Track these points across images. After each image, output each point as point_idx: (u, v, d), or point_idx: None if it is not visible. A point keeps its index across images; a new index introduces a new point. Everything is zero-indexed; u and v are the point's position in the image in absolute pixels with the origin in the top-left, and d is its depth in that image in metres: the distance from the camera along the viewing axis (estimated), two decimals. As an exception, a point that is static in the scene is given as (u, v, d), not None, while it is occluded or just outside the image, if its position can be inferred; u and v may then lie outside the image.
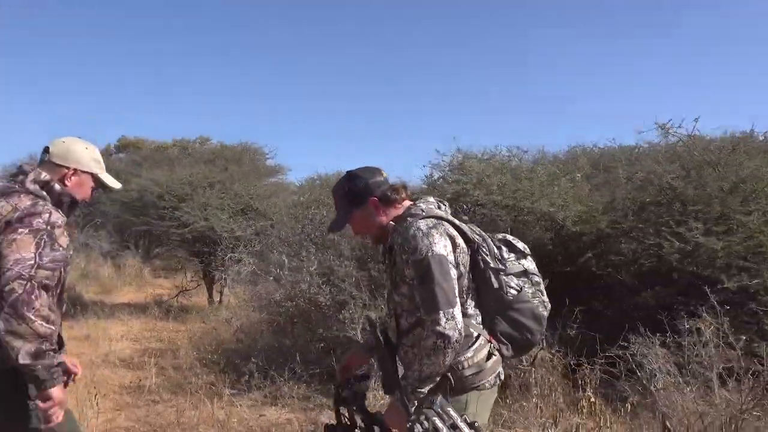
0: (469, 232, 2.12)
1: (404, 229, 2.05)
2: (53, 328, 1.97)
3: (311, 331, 6.26)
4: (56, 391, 1.99)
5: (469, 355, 2.01)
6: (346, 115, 61.54)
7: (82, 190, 2.31)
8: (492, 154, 6.69)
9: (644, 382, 3.63)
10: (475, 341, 2.03)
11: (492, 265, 2.09)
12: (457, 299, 1.94)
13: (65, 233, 2.10)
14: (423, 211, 2.10)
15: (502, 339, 2.10)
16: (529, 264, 2.20)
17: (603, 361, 3.77)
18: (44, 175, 2.18)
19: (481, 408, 2.11)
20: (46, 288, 1.96)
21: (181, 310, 10.48)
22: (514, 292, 2.10)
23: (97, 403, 4.58)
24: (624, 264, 5.77)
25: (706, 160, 5.99)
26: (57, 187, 2.19)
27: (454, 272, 1.97)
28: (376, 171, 2.22)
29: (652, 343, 3.74)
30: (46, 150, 2.27)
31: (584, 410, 3.47)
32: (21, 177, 2.16)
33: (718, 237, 5.33)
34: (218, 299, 11.01)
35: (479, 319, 2.10)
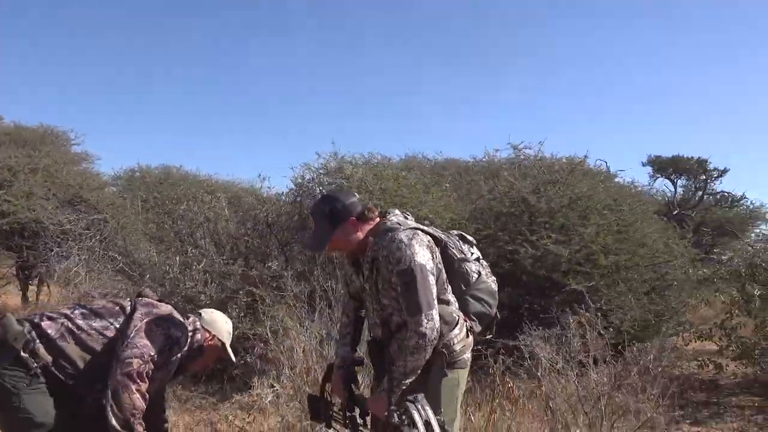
0: (436, 234, 2.43)
1: (388, 242, 2.25)
2: (145, 405, 2.41)
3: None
4: None
5: (456, 332, 2.33)
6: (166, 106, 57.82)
7: (211, 354, 2.81)
8: (366, 159, 6.99)
9: (533, 369, 4.19)
10: (458, 322, 2.36)
11: (458, 256, 2.45)
12: (435, 302, 2.23)
13: (171, 360, 2.59)
14: (399, 224, 2.31)
15: (473, 317, 2.45)
16: (477, 251, 2.58)
17: (501, 351, 4.26)
18: (199, 325, 2.75)
19: (463, 385, 2.46)
20: (148, 376, 2.43)
21: (-16, 312, 9.20)
22: (475, 275, 2.47)
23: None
24: (484, 267, 6.44)
25: (549, 179, 6.95)
26: (198, 337, 2.71)
27: (432, 279, 2.23)
28: (350, 193, 2.43)
29: (540, 337, 4.32)
30: (199, 314, 2.82)
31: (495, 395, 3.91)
32: (193, 317, 2.78)
33: (563, 245, 6.23)
34: (34, 298, 9.85)
35: (457, 304, 2.42)
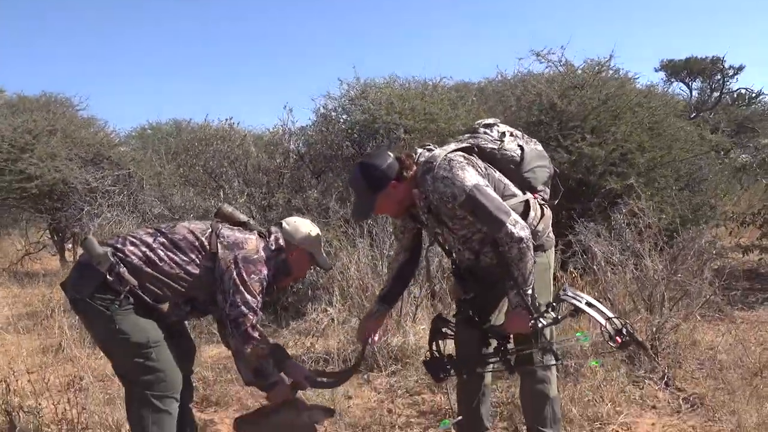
0: (464, 144, 2.43)
1: (432, 185, 2.25)
2: (268, 349, 2.51)
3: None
4: (276, 393, 2.55)
5: (532, 214, 2.39)
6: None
7: (300, 267, 2.71)
8: (388, 82, 6.87)
9: (589, 263, 4.23)
10: (529, 205, 2.40)
11: (496, 147, 2.46)
12: (508, 206, 2.23)
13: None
14: (430, 161, 2.28)
15: (539, 188, 2.51)
16: (504, 126, 2.58)
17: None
18: (282, 242, 2.60)
19: (553, 265, 2.52)
20: (260, 323, 2.50)
21: (27, 276, 9.37)
22: (518, 151, 2.48)
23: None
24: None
25: (575, 83, 6.79)
26: (283, 255, 2.60)
27: (490, 190, 2.23)
28: (384, 154, 2.36)
29: (593, 232, 4.35)
30: (280, 225, 2.66)
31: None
32: (274, 230, 2.63)
33: (598, 147, 6.15)
34: (72, 259, 10.02)
35: (519, 192, 2.42)
